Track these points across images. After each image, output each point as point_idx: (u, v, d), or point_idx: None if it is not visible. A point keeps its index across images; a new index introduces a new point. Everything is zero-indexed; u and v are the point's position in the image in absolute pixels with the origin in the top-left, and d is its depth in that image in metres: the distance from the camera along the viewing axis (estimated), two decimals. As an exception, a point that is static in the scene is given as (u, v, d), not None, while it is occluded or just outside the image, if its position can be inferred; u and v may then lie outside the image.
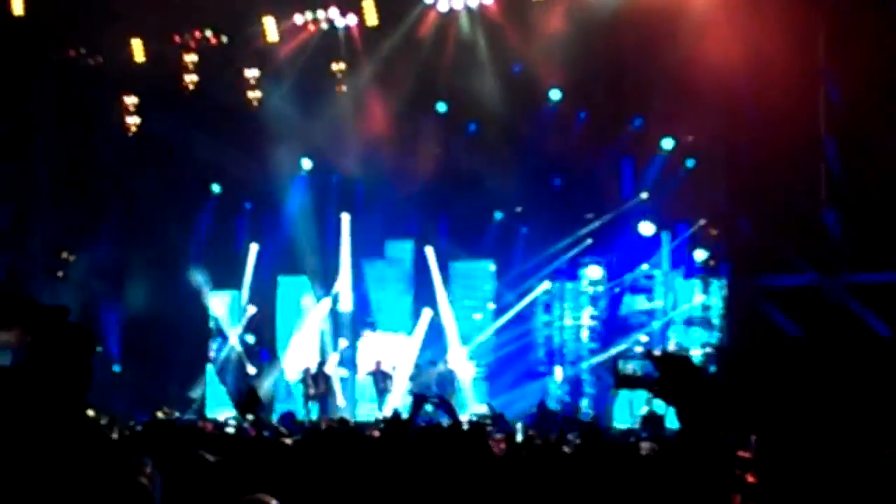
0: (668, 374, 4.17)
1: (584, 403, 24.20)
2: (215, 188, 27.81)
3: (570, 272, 25.38)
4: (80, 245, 26.21)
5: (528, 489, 7.71)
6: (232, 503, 6.88)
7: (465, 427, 13.91)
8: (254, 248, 27.74)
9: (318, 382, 25.56)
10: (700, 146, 22.75)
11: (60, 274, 25.46)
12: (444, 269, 26.66)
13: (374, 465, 7.63)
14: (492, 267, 26.33)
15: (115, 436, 13.30)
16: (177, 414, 23.66)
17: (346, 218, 27.07)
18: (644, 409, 21.41)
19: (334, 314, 27.65)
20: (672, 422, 19.78)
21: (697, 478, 4.14)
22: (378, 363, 25.91)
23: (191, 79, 25.37)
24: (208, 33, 24.23)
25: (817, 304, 18.97)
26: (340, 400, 26.13)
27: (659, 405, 20.85)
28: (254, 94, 25.73)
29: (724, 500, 4.44)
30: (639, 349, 22.80)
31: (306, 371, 25.82)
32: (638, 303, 24.34)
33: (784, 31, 18.82)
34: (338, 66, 25.20)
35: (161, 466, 7.64)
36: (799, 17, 18.88)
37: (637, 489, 7.20)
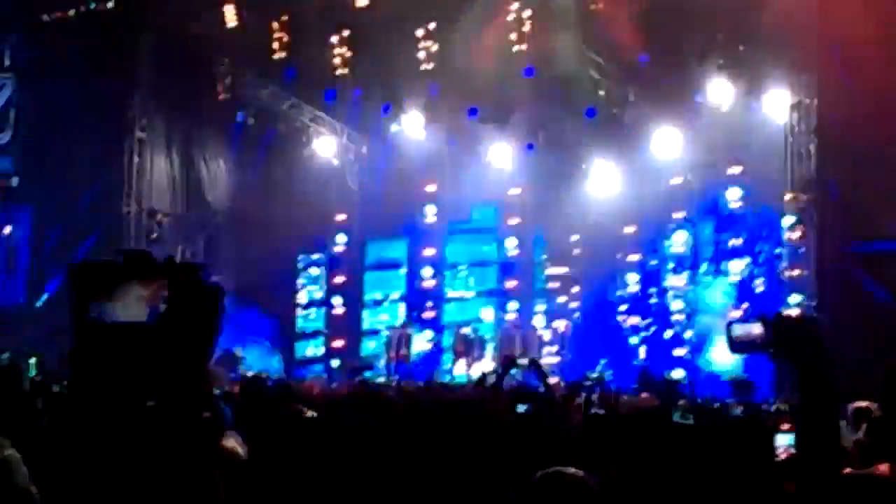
0: (786, 337, 4.27)
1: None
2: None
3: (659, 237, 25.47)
4: (176, 208, 26.74)
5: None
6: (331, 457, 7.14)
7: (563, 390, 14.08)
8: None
9: (400, 345, 25.94)
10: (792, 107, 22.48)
11: (154, 235, 25.94)
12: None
13: (462, 428, 7.80)
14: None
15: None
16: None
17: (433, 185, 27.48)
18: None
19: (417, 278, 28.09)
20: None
21: (815, 448, 4.23)
22: (458, 326, 26.22)
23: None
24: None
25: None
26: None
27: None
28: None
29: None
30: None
31: (389, 335, 26.26)
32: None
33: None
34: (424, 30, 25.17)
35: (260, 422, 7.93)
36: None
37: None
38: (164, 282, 3.08)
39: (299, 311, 29.09)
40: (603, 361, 24.29)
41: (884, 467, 4.82)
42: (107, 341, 3.02)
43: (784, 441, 7.57)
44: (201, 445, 3.16)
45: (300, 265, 29.20)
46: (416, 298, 28.10)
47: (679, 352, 24.47)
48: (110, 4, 24.99)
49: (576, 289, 26.58)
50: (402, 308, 28.19)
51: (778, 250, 22.80)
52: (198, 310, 3.11)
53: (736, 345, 4.75)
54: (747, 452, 7.79)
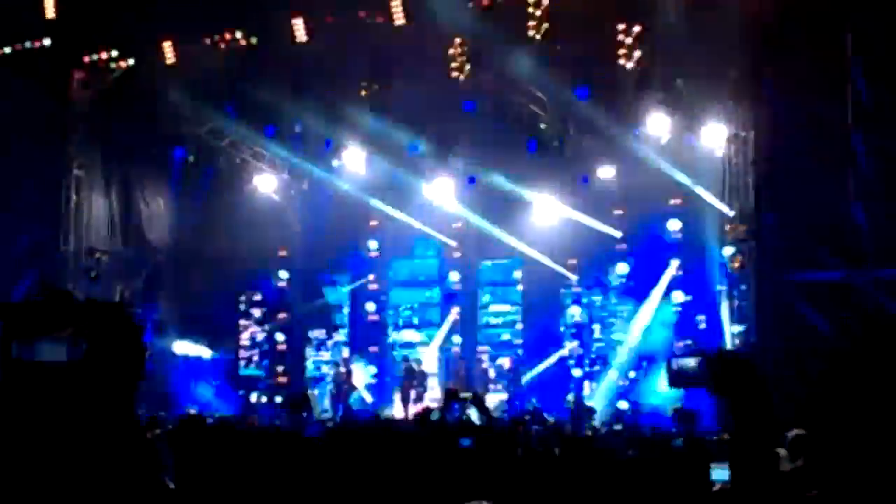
0: (723, 372, 4.31)
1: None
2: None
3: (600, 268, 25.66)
4: (114, 245, 26.44)
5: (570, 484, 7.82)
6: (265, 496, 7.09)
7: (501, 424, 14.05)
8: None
9: (347, 380, 25.83)
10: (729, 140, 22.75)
11: (93, 274, 25.64)
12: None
13: (403, 461, 7.77)
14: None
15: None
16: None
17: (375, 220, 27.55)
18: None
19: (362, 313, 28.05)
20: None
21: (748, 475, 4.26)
22: (405, 357, 26.18)
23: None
24: (238, 34, 24.31)
25: (846, 299, 19.01)
26: (368, 398, 26.42)
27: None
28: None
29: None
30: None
31: (336, 369, 26.13)
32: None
33: (811, 25, 18.87)
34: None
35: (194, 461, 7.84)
36: (826, 10, 18.95)
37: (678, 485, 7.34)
38: (86, 321, 3.05)
39: (242, 353, 28.82)
40: (534, 400, 24.38)
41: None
42: (30, 380, 2.99)
43: (720, 472, 7.60)
44: (133, 480, 3.13)
45: (241, 306, 28.95)
46: (359, 333, 28.04)
47: (622, 382, 24.61)
48: (46, 42, 24.73)
49: (519, 326, 26.69)
50: (343, 347, 28.06)
51: (719, 287, 22.99)
52: (121, 347, 3.10)
53: (674, 379, 4.78)
54: (684, 483, 7.81)
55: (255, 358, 28.76)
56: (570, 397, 23.48)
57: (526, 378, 25.51)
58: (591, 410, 21.90)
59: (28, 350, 3.09)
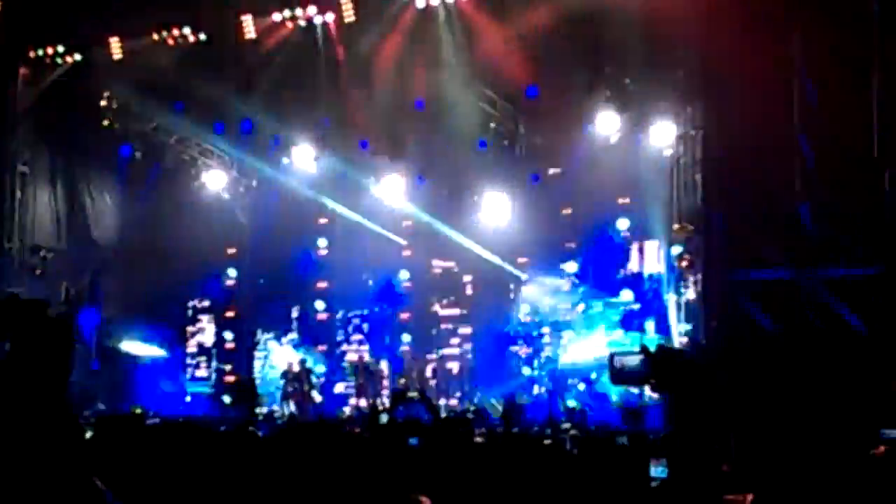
0: (663, 368, 4.28)
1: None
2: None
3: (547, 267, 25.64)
4: (60, 242, 26.18)
5: (510, 483, 7.77)
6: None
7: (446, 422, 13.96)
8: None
9: (298, 379, 25.67)
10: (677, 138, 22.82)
11: (38, 272, 25.37)
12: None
13: (352, 461, 7.69)
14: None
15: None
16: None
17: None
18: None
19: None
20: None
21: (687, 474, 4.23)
22: (360, 357, 26.08)
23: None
24: (186, 31, 24.13)
25: (793, 298, 19.10)
26: (318, 397, 26.25)
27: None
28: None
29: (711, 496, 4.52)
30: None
31: (287, 368, 25.96)
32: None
33: (758, 24, 18.94)
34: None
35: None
36: (773, 10, 19.02)
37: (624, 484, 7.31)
38: (8, 319, 3.00)
39: (189, 360, 28.51)
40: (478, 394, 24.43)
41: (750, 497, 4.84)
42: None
43: (658, 469, 7.60)
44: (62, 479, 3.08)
45: (189, 311, 28.63)
46: (309, 332, 27.85)
47: (572, 380, 24.63)
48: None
49: (467, 329, 26.63)
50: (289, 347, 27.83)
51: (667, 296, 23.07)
52: (44, 345, 3.04)
53: (617, 376, 4.73)
54: (622, 479, 7.80)
55: (204, 358, 28.48)
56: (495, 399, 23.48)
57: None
58: (522, 409, 21.91)
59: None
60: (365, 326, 27.56)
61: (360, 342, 27.43)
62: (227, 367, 27.95)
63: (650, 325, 23.16)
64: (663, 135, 23.02)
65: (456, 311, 26.99)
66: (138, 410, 19.90)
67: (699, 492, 4.31)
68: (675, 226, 22.18)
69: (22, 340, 3.07)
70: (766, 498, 5.62)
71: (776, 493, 5.76)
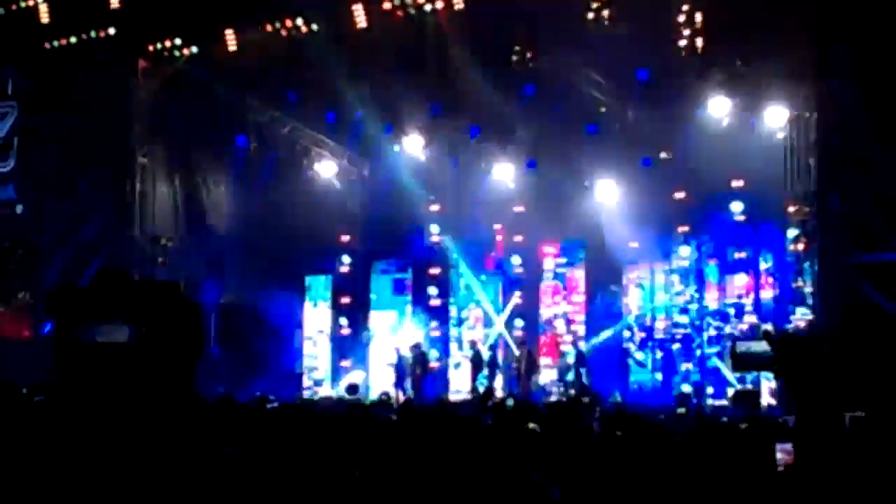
0: (786, 354, 4.29)
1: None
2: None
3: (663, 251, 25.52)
4: (179, 231, 26.76)
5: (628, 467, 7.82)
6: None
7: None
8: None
9: (414, 364, 25.91)
10: (791, 121, 22.50)
11: (160, 260, 26.00)
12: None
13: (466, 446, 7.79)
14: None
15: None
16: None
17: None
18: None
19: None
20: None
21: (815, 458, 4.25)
22: (473, 342, 26.22)
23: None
24: (299, 21, 24.46)
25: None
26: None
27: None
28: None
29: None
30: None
31: (403, 355, 26.25)
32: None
33: (874, 5, 18.64)
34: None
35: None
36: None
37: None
38: (143, 302, 3.11)
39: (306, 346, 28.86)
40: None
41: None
42: (91, 361, 3.06)
43: (784, 453, 7.55)
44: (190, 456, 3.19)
45: (308, 291, 29.01)
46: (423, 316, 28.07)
47: (686, 365, 24.54)
48: (111, 31, 25.08)
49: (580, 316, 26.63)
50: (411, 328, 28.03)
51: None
52: (178, 328, 3.15)
53: (739, 362, 4.75)
54: (749, 464, 7.78)
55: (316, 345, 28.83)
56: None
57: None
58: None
59: (87, 333, 3.16)
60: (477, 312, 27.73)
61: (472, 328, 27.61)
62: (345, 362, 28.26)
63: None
64: (776, 118, 22.70)
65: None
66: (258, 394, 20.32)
67: (828, 476, 4.33)
68: (791, 208, 21.90)
69: (156, 323, 3.20)
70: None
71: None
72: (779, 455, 7.55)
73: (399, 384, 25.85)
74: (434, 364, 26.33)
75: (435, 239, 28.07)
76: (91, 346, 3.19)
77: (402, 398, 24.51)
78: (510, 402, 14.41)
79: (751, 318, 23.64)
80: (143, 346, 3.19)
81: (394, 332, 27.99)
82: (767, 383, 19.89)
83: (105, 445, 3.17)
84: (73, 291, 3.17)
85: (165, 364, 3.19)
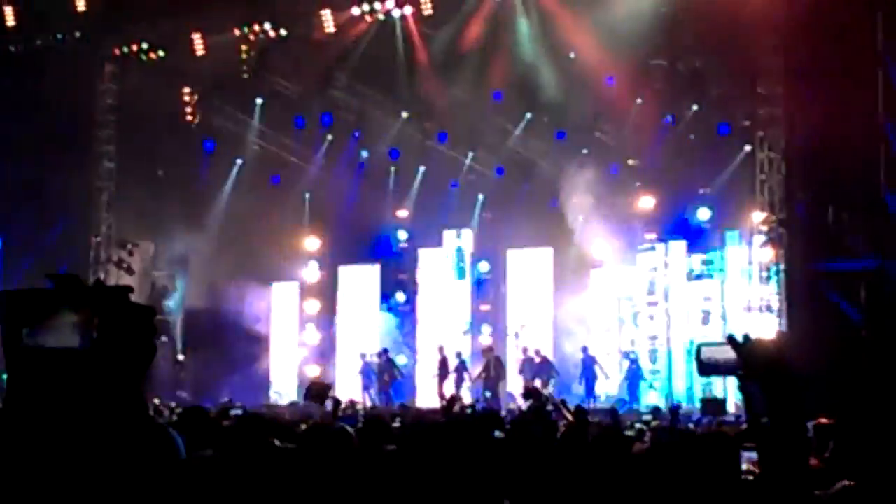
0: (752, 360, 4.25)
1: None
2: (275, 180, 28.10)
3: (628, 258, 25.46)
4: (144, 237, 26.60)
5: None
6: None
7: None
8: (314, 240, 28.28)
9: (381, 371, 25.79)
10: (757, 131, 22.61)
11: (125, 265, 25.85)
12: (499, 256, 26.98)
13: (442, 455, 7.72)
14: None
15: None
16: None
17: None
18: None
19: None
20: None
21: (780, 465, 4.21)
22: (441, 349, 26.01)
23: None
24: (267, 26, 24.43)
25: (878, 288, 18.86)
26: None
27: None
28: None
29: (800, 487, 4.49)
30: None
31: (370, 362, 26.14)
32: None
33: (842, 12, 18.72)
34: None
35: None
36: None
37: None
38: (95, 306, 3.05)
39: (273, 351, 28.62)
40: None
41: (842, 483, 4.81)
42: (40, 367, 3.00)
43: (749, 460, 7.52)
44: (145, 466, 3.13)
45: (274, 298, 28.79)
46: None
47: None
48: (77, 34, 24.95)
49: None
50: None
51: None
52: (129, 332, 3.09)
53: (704, 367, 4.71)
54: (713, 471, 7.75)
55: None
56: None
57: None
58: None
59: (37, 337, 3.10)
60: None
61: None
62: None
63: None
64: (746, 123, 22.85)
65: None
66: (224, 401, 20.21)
67: (793, 486, 4.28)
68: (758, 216, 21.99)
69: (107, 327, 3.14)
70: (859, 490, 5.55)
71: (868, 485, 5.69)
72: (744, 465, 7.53)
73: (366, 390, 25.73)
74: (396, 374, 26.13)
75: (402, 245, 27.91)
76: (41, 351, 3.11)
77: (368, 405, 24.44)
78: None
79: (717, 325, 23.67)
80: (95, 352, 3.11)
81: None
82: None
83: (52, 455, 3.10)
84: (22, 295, 3.09)
85: (116, 371, 3.12)
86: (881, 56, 18.92)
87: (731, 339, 4.31)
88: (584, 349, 24.58)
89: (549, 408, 13.93)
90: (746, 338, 4.25)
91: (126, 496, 3.05)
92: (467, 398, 23.82)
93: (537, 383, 23.67)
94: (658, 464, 7.95)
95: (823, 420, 8.56)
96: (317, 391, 14.61)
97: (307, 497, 6.28)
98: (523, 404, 17.45)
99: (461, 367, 25.64)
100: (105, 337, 3.09)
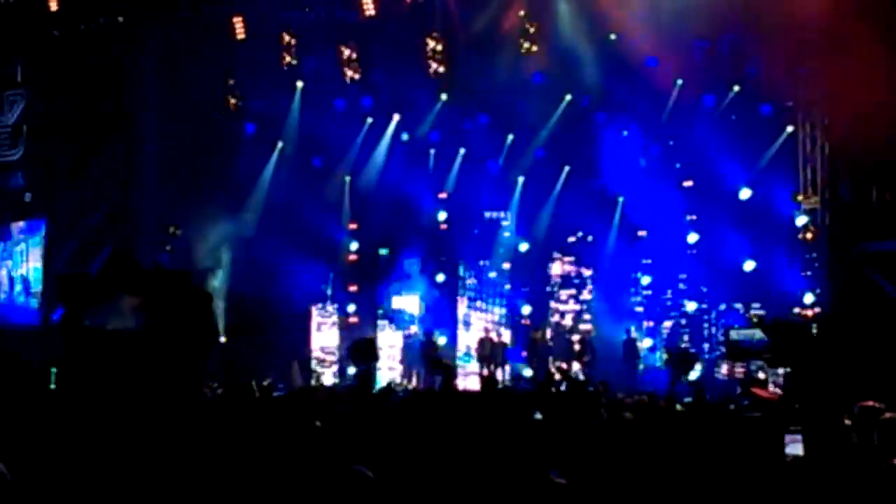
0: (780, 341, 4.28)
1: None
2: (317, 163, 28.17)
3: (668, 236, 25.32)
4: (187, 220, 26.71)
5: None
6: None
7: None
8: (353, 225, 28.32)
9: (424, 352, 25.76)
10: (799, 112, 22.47)
11: (168, 248, 26.02)
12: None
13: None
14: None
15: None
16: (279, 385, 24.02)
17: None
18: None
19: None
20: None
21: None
22: (486, 330, 25.95)
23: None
24: (307, 10, 24.52)
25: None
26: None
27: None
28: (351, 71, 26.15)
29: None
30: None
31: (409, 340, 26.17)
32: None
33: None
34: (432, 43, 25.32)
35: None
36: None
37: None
38: (154, 290, 3.11)
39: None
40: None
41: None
42: (98, 349, 3.07)
43: (793, 442, 7.52)
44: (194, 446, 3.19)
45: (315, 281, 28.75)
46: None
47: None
48: (119, 19, 25.13)
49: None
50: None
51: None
52: (188, 317, 3.14)
53: (734, 350, 4.73)
54: (758, 452, 7.76)
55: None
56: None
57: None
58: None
59: (96, 319, 3.17)
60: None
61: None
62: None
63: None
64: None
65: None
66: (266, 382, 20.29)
67: (836, 466, 4.31)
68: (800, 197, 21.86)
69: (167, 310, 3.19)
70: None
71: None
72: (788, 448, 7.52)
73: (408, 370, 25.74)
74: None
75: (443, 227, 27.83)
76: (100, 332, 3.19)
77: (410, 387, 24.48)
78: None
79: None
80: (153, 335, 3.18)
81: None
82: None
83: (109, 434, 3.16)
84: (83, 278, 3.16)
85: (175, 354, 3.18)
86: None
87: (759, 321, 4.34)
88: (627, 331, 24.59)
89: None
90: (775, 320, 4.28)
91: (174, 471, 3.12)
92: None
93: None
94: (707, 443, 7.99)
95: (870, 403, 8.53)
96: (361, 349, 14.59)
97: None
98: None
99: (501, 350, 25.62)
100: (162, 320, 3.16)
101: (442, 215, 27.64)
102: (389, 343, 26.83)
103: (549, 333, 25.94)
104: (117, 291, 3.15)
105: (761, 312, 21.28)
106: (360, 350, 14.82)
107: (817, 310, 21.06)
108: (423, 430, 8.03)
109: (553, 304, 26.66)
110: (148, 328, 3.21)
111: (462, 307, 27.19)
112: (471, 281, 27.38)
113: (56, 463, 3.20)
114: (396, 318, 27.32)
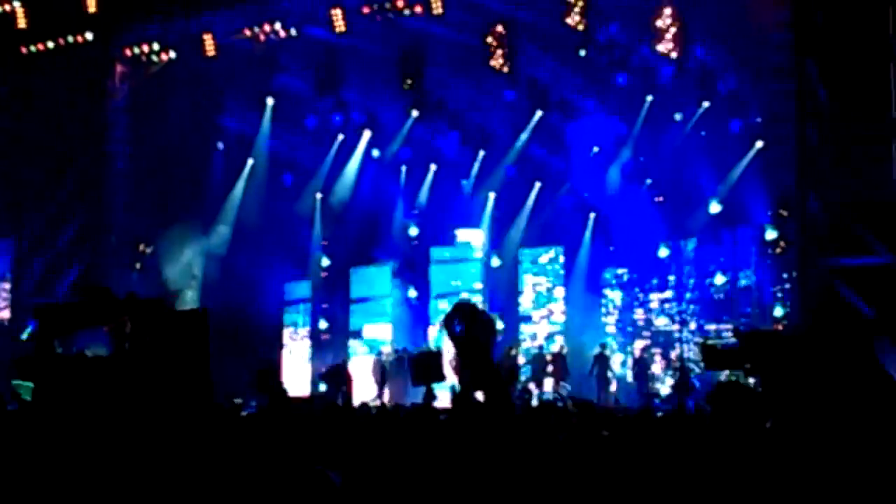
0: (757, 351, 4.28)
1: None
2: (287, 180, 28.09)
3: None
4: (157, 238, 26.58)
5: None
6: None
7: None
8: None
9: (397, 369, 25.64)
10: (768, 127, 22.59)
11: (138, 266, 25.87)
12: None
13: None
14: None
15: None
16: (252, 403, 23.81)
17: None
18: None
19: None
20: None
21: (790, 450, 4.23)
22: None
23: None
24: (277, 26, 24.47)
25: (891, 284, 18.78)
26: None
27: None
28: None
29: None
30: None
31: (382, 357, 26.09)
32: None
33: (854, 6, 18.67)
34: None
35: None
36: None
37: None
38: (128, 316, 3.08)
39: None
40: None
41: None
42: (73, 375, 3.03)
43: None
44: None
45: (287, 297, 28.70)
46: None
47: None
48: (89, 36, 24.99)
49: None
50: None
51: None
52: (167, 340, 3.11)
53: (710, 360, 4.74)
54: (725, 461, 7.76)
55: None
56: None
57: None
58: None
59: (70, 346, 3.15)
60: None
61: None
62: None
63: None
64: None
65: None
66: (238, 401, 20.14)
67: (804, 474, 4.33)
68: (782, 211, 21.98)
69: (141, 336, 3.16)
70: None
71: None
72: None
73: (379, 391, 25.64)
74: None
75: (415, 243, 27.83)
76: (72, 359, 3.15)
77: (383, 402, 24.36)
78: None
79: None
80: (126, 361, 3.15)
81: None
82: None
83: (77, 456, 3.13)
84: (56, 308, 3.13)
85: (150, 377, 3.15)
86: (892, 49, 18.85)
87: (736, 331, 4.36)
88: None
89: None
90: (753, 329, 4.29)
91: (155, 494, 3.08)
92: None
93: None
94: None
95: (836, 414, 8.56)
96: (332, 374, 14.09)
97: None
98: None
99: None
100: (138, 346, 3.13)
101: (413, 231, 27.68)
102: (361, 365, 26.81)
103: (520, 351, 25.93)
104: (90, 319, 3.12)
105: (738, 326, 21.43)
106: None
107: (786, 322, 21.23)
108: (396, 446, 7.99)
109: (524, 326, 26.71)
110: (121, 354, 3.17)
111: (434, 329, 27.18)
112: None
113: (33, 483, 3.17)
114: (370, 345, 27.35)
